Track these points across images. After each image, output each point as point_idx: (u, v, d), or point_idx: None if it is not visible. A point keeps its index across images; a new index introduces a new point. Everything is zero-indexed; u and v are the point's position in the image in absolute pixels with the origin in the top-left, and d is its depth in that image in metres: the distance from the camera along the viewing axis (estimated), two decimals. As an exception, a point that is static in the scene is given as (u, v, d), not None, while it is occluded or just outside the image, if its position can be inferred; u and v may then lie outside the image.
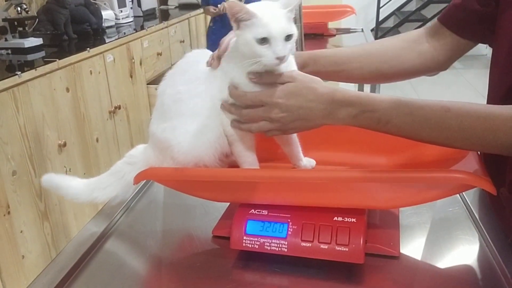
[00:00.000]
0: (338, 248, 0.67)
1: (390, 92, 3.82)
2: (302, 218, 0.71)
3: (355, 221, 0.69)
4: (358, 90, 2.52)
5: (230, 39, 0.75)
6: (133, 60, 2.67)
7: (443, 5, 4.78)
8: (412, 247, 0.75)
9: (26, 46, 2.19)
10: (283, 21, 0.68)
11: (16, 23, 2.23)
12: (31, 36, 2.27)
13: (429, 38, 0.87)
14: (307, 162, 0.83)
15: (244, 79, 0.72)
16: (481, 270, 0.70)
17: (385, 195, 0.69)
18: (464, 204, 0.85)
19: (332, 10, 2.97)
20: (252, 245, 0.71)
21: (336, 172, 0.76)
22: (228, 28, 0.73)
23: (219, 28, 2.87)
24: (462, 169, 0.65)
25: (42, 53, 2.20)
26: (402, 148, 0.79)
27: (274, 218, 0.72)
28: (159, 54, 3.02)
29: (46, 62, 1.96)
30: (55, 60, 1.99)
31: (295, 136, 0.80)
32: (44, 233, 1.91)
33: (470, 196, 0.87)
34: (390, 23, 6.03)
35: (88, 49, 2.22)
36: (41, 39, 2.29)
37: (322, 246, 0.68)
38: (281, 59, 0.68)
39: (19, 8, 2.23)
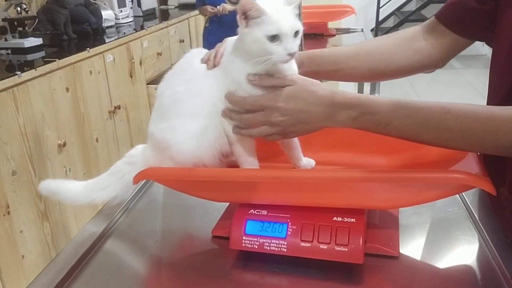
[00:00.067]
0: (337, 248, 0.67)
1: (389, 91, 3.84)
2: (302, 218, 0.71)
3: (354, 221, 0.69)
4: (358, 88, 2.53)
5: (224, 48, 0.75)
6: (133, 60, 2.67)
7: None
8: (412, 247, 0.75)
9: (26, 46, 2.19)
10: (291, 18, 0.68)
11: (16, 23, 2.23)
12: (31, 36, 2.27)
13: (426, 35, 0.87)
14: (307, 162, 0.83)
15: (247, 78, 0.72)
16: (480, 270, 0.70)
17: (385, 195, 0.69)
18: (464, 204, 0.85)
19: (332, 10, 2.97)
20: (252, 245, 0.71)
21: (336, 172, 0.76)
22: (225, 29, 0.74)
23: (216, 28, 2.88)
24: (462, 169, 0.65)
25: (42, 53, 2.20)
26: (402, 148, 0.79)
27: (274, 218, 0.72)
28: (159, 54, 3.02)
29: (46, 62, 1.96)
30: (55, 60, 1.99)
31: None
32: (44, 233, 1.91)
33: (470, 196, 0.87)
34: (390, 23, 6.03)
35: (88, 49, 2.22)
36: (41, 39, 2.29)
37: (322, 246, 0.68)
38: (292, 55, 0.68)
39: (19, 8, 2.23)
